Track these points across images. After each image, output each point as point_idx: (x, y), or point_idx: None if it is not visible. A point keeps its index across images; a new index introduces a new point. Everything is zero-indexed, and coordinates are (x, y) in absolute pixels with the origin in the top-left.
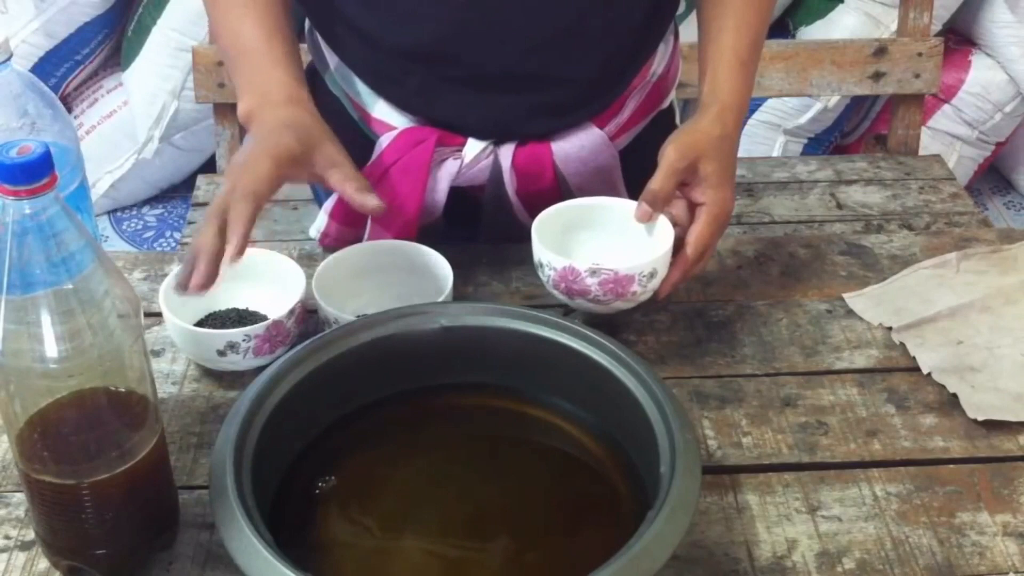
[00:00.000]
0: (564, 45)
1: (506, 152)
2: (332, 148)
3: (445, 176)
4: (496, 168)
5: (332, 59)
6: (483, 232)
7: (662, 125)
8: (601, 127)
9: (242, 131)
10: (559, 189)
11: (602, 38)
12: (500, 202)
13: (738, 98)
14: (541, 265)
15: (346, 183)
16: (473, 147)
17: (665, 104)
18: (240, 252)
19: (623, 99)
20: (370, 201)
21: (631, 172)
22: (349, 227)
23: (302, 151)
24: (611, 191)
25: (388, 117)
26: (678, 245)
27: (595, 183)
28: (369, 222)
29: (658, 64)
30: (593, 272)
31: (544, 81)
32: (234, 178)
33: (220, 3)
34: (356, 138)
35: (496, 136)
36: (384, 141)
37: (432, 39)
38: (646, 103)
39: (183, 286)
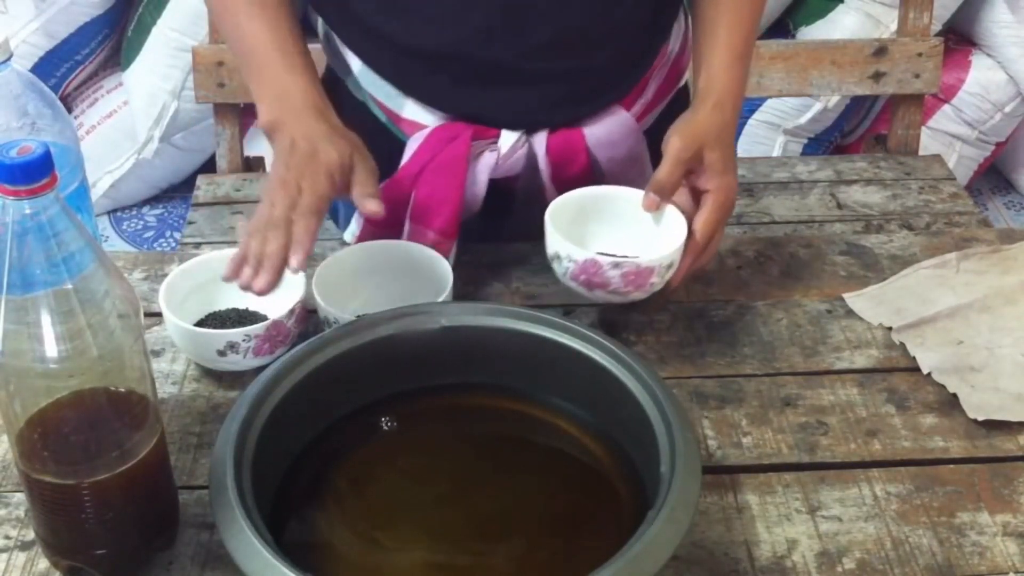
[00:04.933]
0: (586, 36)
1: (539, 140)
2: (361, 155)
3: (484, 169)
4: (531, 157)
5: (355, 63)
6: (515, 223)
7: (681, 103)
8: (627, 109)
9: (242, 131)
10: (592, 172)
11: (622, 26)
12: (533, 191)
13: (734, 89)
14: (559, 257)
15: (356, 186)
16: (508, 138)
17: (682, 83)
18: (304, 266)
19: (646, 80)
20: (368, 204)
21: (655, 151)
22: (386, 229)
23: (347, 165)
24: (640, 170)
25: (419, 116)
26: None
27: (625, 163)
28: (408, 223)
29: (674, 42)
30: (616, 265)
31: (569, 72)
32: (291, 192)
33: (224, 3)
34: (385, 141)
35: (527, 126)
36: (415, 141)
37: (455, 41)
38: (667, 82)
39: (246, 286)
